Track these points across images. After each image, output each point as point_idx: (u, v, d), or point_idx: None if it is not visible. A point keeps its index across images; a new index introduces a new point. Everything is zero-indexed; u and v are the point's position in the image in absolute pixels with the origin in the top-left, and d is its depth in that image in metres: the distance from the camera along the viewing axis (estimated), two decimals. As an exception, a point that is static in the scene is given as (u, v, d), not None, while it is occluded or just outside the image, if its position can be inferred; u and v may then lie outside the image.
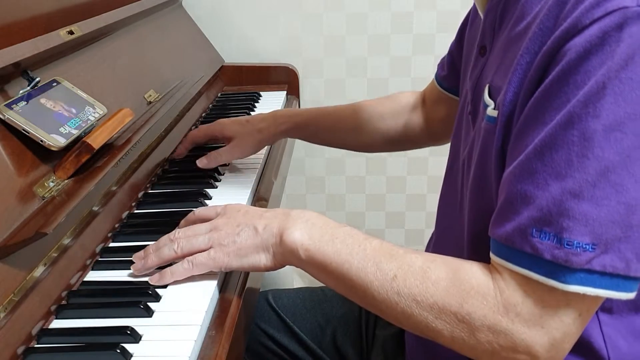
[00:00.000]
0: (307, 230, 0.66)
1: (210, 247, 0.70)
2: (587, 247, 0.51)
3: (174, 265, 0.71)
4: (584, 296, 0.53)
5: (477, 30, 0.74)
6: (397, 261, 0.61)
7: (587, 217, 0.51)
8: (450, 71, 0.96)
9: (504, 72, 0.62)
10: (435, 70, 1.03)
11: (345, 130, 1.08)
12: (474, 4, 0.80)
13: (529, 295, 0.55)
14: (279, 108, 1.43)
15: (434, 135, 1.07)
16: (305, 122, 1.07)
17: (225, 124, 1.07)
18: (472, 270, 0.59)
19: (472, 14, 0.83)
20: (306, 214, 0.69)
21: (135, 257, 0.75)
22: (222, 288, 0.74)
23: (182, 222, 0.79)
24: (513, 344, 0.55)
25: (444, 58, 0.98)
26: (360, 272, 0.62)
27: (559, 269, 0.53)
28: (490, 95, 0.64)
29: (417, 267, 0.60)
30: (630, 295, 0.54)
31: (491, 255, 0.59)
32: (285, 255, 0.68)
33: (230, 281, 0.76)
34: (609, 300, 0.59)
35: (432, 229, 0.91)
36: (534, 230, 0.53)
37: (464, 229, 0.70)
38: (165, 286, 0.72)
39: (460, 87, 0.83)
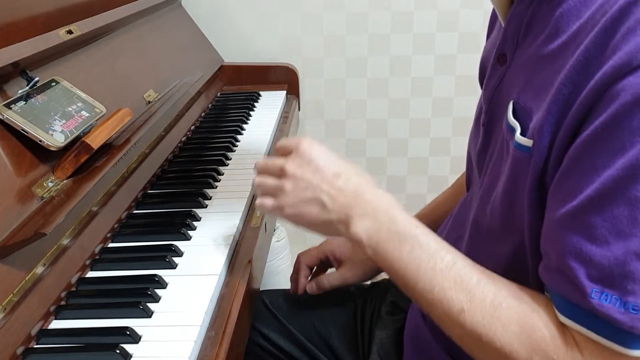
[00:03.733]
0: (374, 227, 0.63)
1: (274, 195, 0.69)
2: None
3: (265, 199, 0.70)
4: None
5: (496, 37, 0.69)
6: (467, 292, 0.57)
7: None
8: None
9: (534, 94, 0.58)
10: (436, 71, 0.99)
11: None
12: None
13: (595, 354, 0.52)
14: (279, 108, 1.43)
15: None
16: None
17: (337, 245, 0.97)
18: (545, 318, 0.55)
19: (492, 18, 0.78)
20: (377, 202, 0.65)
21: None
22: (222, 288, 0.74)
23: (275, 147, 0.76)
24: None
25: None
26: (426, 294, 0.59)
27: (622, 333, 0.50)
28: (515, 115, 0.60)
29: (487, 302, 0.56)
30: None
31: (556, 312, 0.55)
32: (354, 244, 0.65)
33: (230, 281, 0.76)
34: None
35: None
36: (594, 291, 0.50)
37: (467, 243, 0.68)
38: (164, 286, 0.72)
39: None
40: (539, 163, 0.56)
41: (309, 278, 0.98)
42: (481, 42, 0.83)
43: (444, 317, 0.59)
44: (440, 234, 0.69)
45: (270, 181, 0.70)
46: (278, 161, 0.70)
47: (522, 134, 0.58)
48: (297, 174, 0.67)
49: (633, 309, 0.48)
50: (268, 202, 0.69)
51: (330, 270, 1.00)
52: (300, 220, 0.68)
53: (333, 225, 0.66)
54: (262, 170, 0.72)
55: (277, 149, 0.73)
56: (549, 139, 0.55)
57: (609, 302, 0.49)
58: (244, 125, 1.31)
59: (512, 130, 0.60)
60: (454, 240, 0.78)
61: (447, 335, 0.61)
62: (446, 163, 1.77)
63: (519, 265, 0.62)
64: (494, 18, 0.79)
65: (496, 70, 0.66)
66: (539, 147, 0.56)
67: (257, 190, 0.71)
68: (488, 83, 0.68)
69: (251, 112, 1.39)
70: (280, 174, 0.69)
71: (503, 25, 0.65)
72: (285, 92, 1.55)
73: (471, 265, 0.60)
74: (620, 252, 0.49)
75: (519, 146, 0.58)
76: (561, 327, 0.55)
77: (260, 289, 1.01)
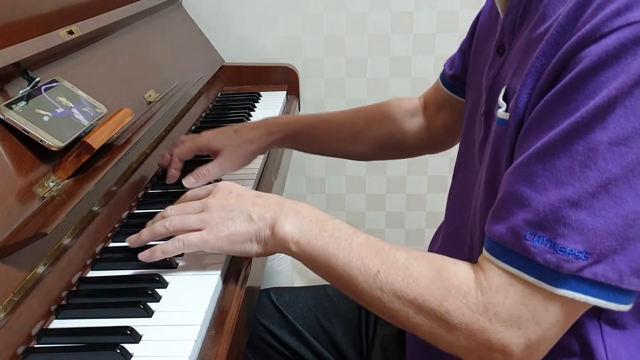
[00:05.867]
0: (298, 223, 0.68)
1: (202, 228, 0.71)
2: (580, 255, 0.52)
3: (165, 243, 0.72)
4: (568, 302, 0.54)
5: (493, 29, 0.72)
6: (381, 257, 0.62)
7: (582, 226, 0.51)
8: (461, 70, 0.92)
9: (520, 75, 0.61)
10: (436, 71, 1.01)
11: (341, 139, 1.04)
12: (492, 1, 0.78)
13: (511, 296, 0.55)
14: (279, 108, 1.44)
15: (434, 143, 1.04)
16: (300, 130, 1.02)
17: (210, 137, 1.01)
18: (455, 269, 0.60)
19: (486, 11, 0.81)
20: (298, 205, 0.70)
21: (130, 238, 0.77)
22: (222, 288, 0.74)
23: (177, 201, 0.79)
24: (489, 343, 0.56)
25: (452, 57, 0.95)
26: (346, 266, 0.63)
27: (549, 273, 0.53)
28: (505, 98, 0.64)
29: (400, 263, 0.61)
30: (623, 307, 0.54)
31: (483, 250, 0.59)
32: (276, 246, 0.69)
33: (230, 281, 0.76)
34: (612, 312, 0.59)
35: (432, 229, 0.91)
36: (528, 233, 0.54)
37: (476, 230, 0.70)
38: (165, 286, 0.72)
39: (467, 87, 0.83)
40: (514, 134, 0.60)
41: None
42: (481, 42, 0.83)
43: (364, 285, 0.62)
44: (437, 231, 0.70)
45: (192, 217, 0.72)
46: (195, 203, 0.74)
47: (505, 111, 0.62)
48: (222, 203, 0.72)
49: (560, 250, 0.52)
50: (193, 236, 0.71)
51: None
52: (223, 237, 0.70)
53: (258, 233, 0.70)
54: (180, 211, 0.74)
55: (191, 195, 0.78)
56: (522, 110, 0.59)
57: (540, 243, 0.53)
58: (244, 126, 1.31)
59: (499, 109, 0.63)
60: (451, 230, 0.79)
61: (377, 314, 0.65)
62: (445, 163, 1.78)
63: None
64: (487, 12, 0.81)
65: (495, 61, 0.69)
66: (514, 119, 0.59)
67: (174, 228, 0.72)
68: (488, 73, 0.70)
69: (252, 112, 1.40)
70: (201, 210, 0.73)
71: (502, 17, 0.68)
72: (285, 92, 1.55)
73: (382, 241, 0.65)
74: (556, 198, 0.52)
75: (499, 121, 0.62)
76: (473, 274, 0.59)
77: (266, 287, 1.02)
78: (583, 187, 0.51)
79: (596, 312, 0.59)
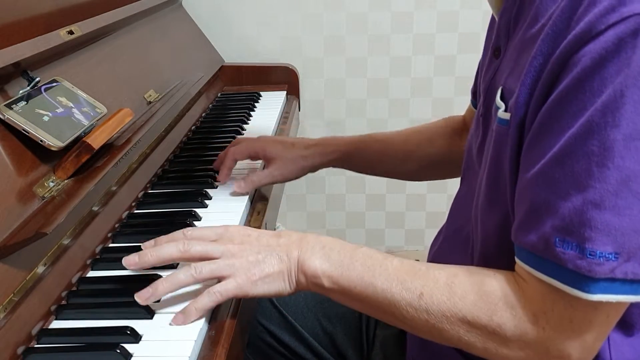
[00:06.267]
0: (326, 256, 0.66)
1: (230, 275, 0.66)
2: (610, 256, 0.52)
3: (198, 299, 0.66)
4: (607, 302, 0.54)
5: (491, 34, 0.73)
6: (421, 279, 0.62)
7: (609, 226, 0.51)
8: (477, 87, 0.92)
9: (517, 75, 0.61)
10: (436, 71, 1.01)
11: (393, 159, 1.03)
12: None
13: (558, 301, 0.55)
14: (279, 108, 1.43)
15: None
16: (353, 152, 1.02)
17: (268, 143, 1.00)
18: (496, 282, 0.60)
19: (491, 20, 0.82)
20: (322, 239, 0.69)
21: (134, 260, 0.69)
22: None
23: (170, 238, 0.71)
24: (546, 350, 0.57)
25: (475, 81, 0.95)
26: (387, 293, 0.63)
27: (582, 279, 0.53)
28: (502, 98, 0.64)
29: (442, 283, 0.61)
30: None
31: (517, 261, 0.59)
32: (308, 283, 0.67)
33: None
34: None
35: (432, 229, 0.91)
36: (557, 239, 0.54)
37: (477, 231, 0.70)
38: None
39: (477, 93, 0.82)
40: (516, 133, 0.60)
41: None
42: (481, 42, 0.83)
43: (409, 309, 0.62)
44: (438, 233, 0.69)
45: (220, 264, 0.67)
46: (211, 249, 0.68)
47: (505, 111, 0.62)
48: (244, 247, 0.68)
49: (590, 254, 0.52)
50: (228, 285, 0.66)
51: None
52: (257, 280, 0.66)
53: (289, 272, 0.67)
54: (202, 255, 0.68)
55: (192, 235, 0.71)
56: (524, 109, 0.59)
57: (570, 249, 0.53)
58: (245, 126, 1.31)
59: (498, 110, 0.63)
60: (452, 232, 0.79)
61: (426, 337, 0.64)
62: (446, 163, 1.77)
63: (508, 237, 0.63)
64: (492, 20, 0.81)
65: (492, 64, 0.70)
66: (515, 119, 0.60)
67: (203, 278, 0.67)
68: (485, 76, 0.71)
69: (251, 112, 1.40)
70: (223, 255, 0.68)
71: (497, 20, 0.69)
72: (285, 92, 1.55)
73: (416, 262, 0.65)
74: (579, 202, 0.52)
75: (500, 120, 0.62)
76: (515, 284, 0.59)
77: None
78: (604, 187, 0.51)
79: None
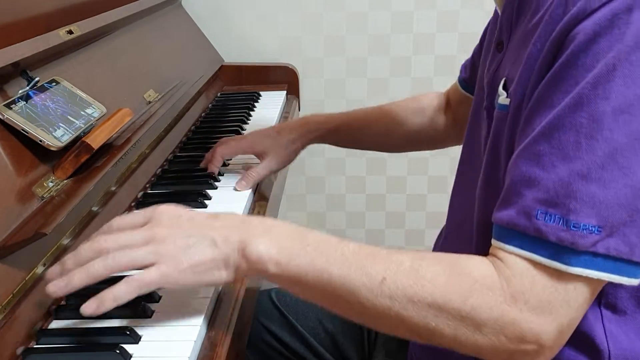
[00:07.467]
0: (274, 240, 0.60)
1: (155, 262, 0.60)
2: (594, 229, 0.51)
3: (115, 286, 0.59)
4: (586, 280, 0.53)
5: (494, 28, 0.73)
6: (383, 263, 0.57)
7: (594, 199, 0.51)
8: (472, 74, 0.95)
9: (519, 64, 0.62)
10: (436, 70, 1.02)
11: (375, 134, 1.09)
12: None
13: (537, 280, 0.54)
14: (279, 108, 1.43)
15: (460, 134, 1.07)
16: (336, 128, 1.06)
17: (255, 140, 1.02)
18: (471, 263, 0.57)
19: (494, 14, 0.83)
20: (267, 221, 0.63)
21: (51, 272, 0.62)
22: (223, 288, 0.74)
23: (99, 231, 0.65)
24: (521, 334, 0.54)
25: (466, 61, 0.98)
26: (343, 279, 0.57)
27: (564, 251, 0.52)
28: (505, 88, 0.64)
29: (407, 266, 0.57)
30: (634, 281, 0.53)
31: (492, 241, 0.58)
32: (250, 270, 0.61)
33: (230, 281, 0.75)
34: (612, 296, 0.59)
35: (432, 229, 0.91)
36: (539, 212, 0.53)
37: (478, 222, 0.69)
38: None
39: (475, 87, 0.83)
40: (514, 116, 0.60)
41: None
42: (481, 42, 0.83)
43: (369, 296, 0.56)
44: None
45: (141, 251, 0.60)
46: (136, 233, 0.61)
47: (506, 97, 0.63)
48: (172, 231, 0.61)
49: (574, 227, 0.51)
50: (150, 274, 0.59)
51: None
52: (186, 268, 0.60)
53: (226, 259, 0.61)
54: (120, 243, 0.61)
55: (118, 225, 0.64)
56: (522, 93, 0.59)
57: (553, 221, 0.52)
58: (244, 126, 1.31)
59: (499, 97, 0.64)
60: (454, 226, 0.79)
61: (383, 329, 0.61)
62: (446, 163, 1.77)
63: None
64: (495, 14, 0.81)
65: (495, 57, 0.70)
66: (514, 103, 0.60)
67: (119, 267, 0.60)
68: (488, 69, 0.71)
69: (251, 112, 1.39)
70: (148, 241, 0.60)
71: (499, 14, 0.69)
72: (285, 92, 1.55)
73: (376, 247, 0.60)
74: (565, 173, 0.52)
75: (500, 106, 0.63)
76: (491, 265, 0.56)
77: (268, 288, 1.01)
78: (591, 159, 0.51)
79: (596, 298, 0.58)
